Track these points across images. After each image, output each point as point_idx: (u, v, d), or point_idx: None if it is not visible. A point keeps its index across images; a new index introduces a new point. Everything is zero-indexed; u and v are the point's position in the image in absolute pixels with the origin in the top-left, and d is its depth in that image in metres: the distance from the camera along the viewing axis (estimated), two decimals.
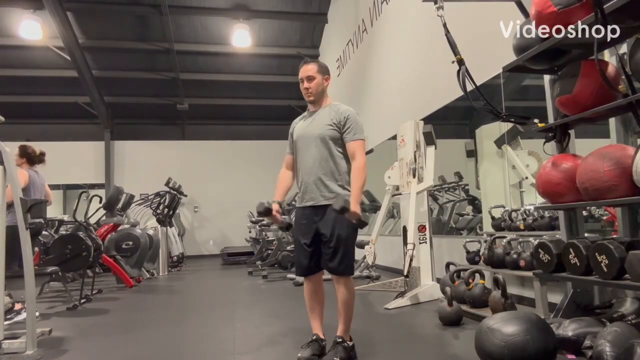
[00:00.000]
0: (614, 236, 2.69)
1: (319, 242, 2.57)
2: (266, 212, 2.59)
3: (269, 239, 8.70)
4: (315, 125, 2.62)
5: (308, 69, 2.62)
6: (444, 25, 2.62)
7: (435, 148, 4.43)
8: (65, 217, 7.13)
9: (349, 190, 2.59)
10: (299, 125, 2.72)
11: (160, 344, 3.17)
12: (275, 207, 2.63)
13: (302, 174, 2.64)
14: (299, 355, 2.48)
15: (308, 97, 2.66)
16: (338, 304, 2.58)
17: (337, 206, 2.33)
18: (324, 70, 2.67)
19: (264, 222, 8.43)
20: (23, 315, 3.83)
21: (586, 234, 2.71)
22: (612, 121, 2.62)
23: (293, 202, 7.91)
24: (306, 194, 2.61)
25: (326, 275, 2.63)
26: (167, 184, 9.19)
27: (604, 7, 1.83)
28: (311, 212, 2.59)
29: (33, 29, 9.46)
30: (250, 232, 10.68)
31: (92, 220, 6.28)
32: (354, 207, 2.39)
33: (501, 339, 1.98)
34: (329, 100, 2.72)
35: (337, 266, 2.51)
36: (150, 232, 7.46)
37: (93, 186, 11.79)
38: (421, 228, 4.42)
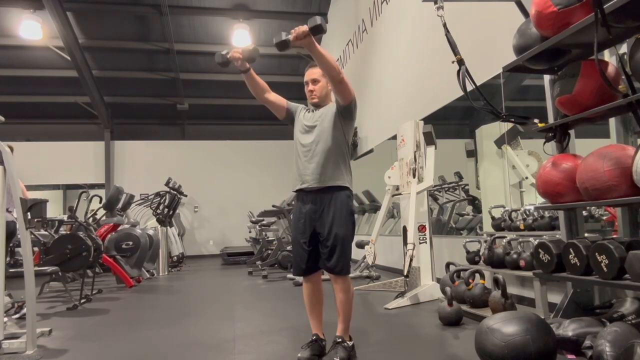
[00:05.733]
0: (614, 236, 2.69)
1: (317, 242, 2.58)
2: (251, 59, 2.54)
3: (269, 239, 8.71)
4: (319, 117, 2.65)
5: (313, 72, 2.66)
6: (444, 25, 2.62)
7: (435, 148, 4.43)
8: (65, 217, 7.12)
9: (348, 176, 2.62)
10: (304, 116, 2.73)
11: (160, 344, 3.17)
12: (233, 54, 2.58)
13: (300, 161, 2.63)
14: (299, 355, 2.48)
15: (312, 99, 2.68)
16: (337, 304, 2.58)
17: (276, 39, 2.28)
18: None
19: (264, 222, 8.45)
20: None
21: (586, 234, 2.71)
22: (612, 121, 2.62)
23: (293, 202, 7.92)
24: (302, 177, 2.60)
25: (325, 275, 2.63)
26: (167, 184, 9.19)
27: (604, 7, 1.83)
28: (309, 207, 2.58)
29: (33, 29, 9.46)
30: (250, 232, 10.69)
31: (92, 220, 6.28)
32: (300, 29, 2.28)
33: (501, 339, 1.98)
34: (332, 101, 2.75)
35: (334, 265, 2.51)
36: (150, 232, 7.46)
37: (93, 186, 11.80)
38: (421, 228, 4.42)
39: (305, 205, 2.61)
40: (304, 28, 2.28)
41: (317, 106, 2.70)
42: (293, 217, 2.72)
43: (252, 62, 2.59)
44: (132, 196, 7.54)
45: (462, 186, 6.16)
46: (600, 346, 1.84)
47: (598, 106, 2.11)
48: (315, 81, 2.66)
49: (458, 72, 2.58)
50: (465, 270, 3.67)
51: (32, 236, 4.66)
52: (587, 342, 2.06)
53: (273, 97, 2.79)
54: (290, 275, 6.46)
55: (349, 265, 2.61)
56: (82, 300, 4.86)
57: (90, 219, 5.96)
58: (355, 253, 6.24)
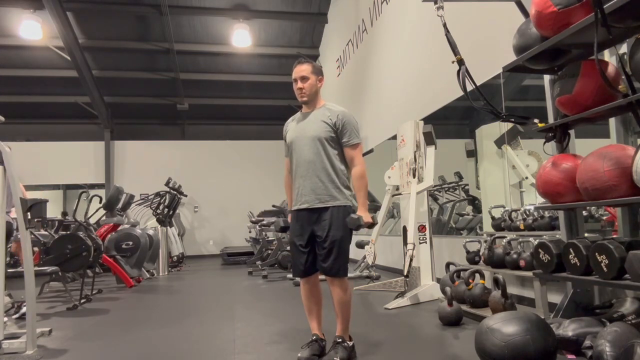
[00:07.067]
0: (614, 236, 2.69)
1: (315, 243, 2.57)
2: (284, 230, 2.80)
3: (269, 239, 8.71)
4: (309, 127, 2.61)
5: (302, 69, 2.61)
6: (444, 25, 2.62)
7: (435, 148, 4.43)
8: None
9: (347, 191, 2.60)
10: (292, 128, 2.70)
11: (160, 344, 3.17)
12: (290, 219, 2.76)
13: (298, 177, 2.61)
14: (299, 355, 2.48)
15: (301, 97, 2.63)
16: (334, 305, 2.58)
17: (353, 226, 2.50)
18: (318, 71, 2.66)
19: (264, 222, 8.45)
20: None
21: (586, 234, 2.71)
22: (612, 121, 2.62)
23: None
24: (302, 196, 2.59)
25: (322, 275, 2.62)
26: (167, 184, 9.19)
27: (604, 7, 1.83)
28: (306, 215, 2.58)
29: (33, 29, 9.46)
30: (250, 232, 10.69)
31: (92, 220, 6.28)
32: (365, 217, 2.50)
33: (501, 339, 1.98)
34: (322, 101, 2.70)
35: (330, 267, 2.51)
36: (150, 232, 7.46)
37: (93, 186, 11.79)
38: (421, 228, 4.42)
39: (302, 210, 2.60)
40: (370, 222, 2.55)
41: (307, 104, 2.66)
42: (291, 220, 2.72)
43: (288, 229, 2.82)
44: (132, 196, 7.54)
45: (462, 186, 6.16)
46: (600, 346, 1.84)
47: (598, 106, 2.11)
48: (304, 79, 2.60)
49: (458, 72, 2.58)
50: (465, 270, 3.67)
51: (32, 236, 4.66)
52: (587, 342, 2.06)
53: (291, 173, 2.75)
54: (290, 275, 6.46)
55: (346, 267, 2.60)
56: (82, 300, 4.86)
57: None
58: (356, 253, 6.22)
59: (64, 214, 7.33)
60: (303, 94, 2.62)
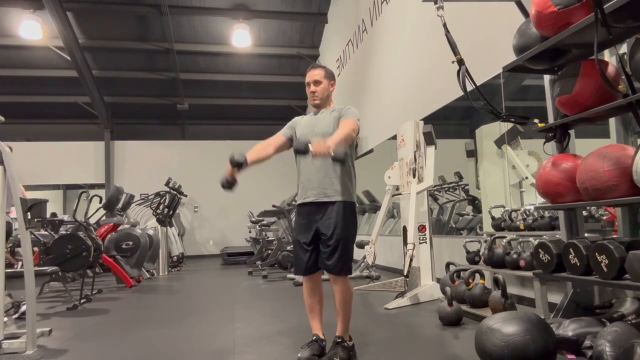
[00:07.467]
0: (614, 236, 2.69)
1: (319, 241, 2.58)
2: (239, 165, 2.55)
3: (269, 239, 8.71)
4: (319, 125, 2.66)
5: (315, 74, 2.68)
6: (444, 25, 2.62)
7: (435, 148, 4.43)
8: (65, 217, 7.13)
9: (351, 190, 2.61)
10: (303, 124, 2.75)
11: (160, 344, 3.17)
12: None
13: (305, 172, 2.65)
14: (299, 355, 2.49)
15: (314, 100, 2.70)
16: (336, 304, 2.58)
17: (296, 145, 2.37)
18: (330, 76, 2.75)
19: (264, 222, 8.46)
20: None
21: (586, 234, 2.71)
22: (612, 121, 2.62)
23: (293, 202, 7.91)
24: (308, 190, 2.61)
25: (325, 275, 2.63)
26: (167, 184, 9.19)
27: (604, 7, 1.83)
28: (312, 210, 2.59)
29: (33, 29, 9.47)
30: (250, 232, 10.68)
31: (92, 220, 6.28)
32: (320, 144, 2.20)
33: (501, 339, 1.98)
34: (332, 103, 2.77)
35: (334, 265, 2.51)
36: (150, 232, 7.46)
37: (93, 186, 11.79)
38: (421, 228, 4.42)
39: (306, 206, 2.62)
40: (326, 150, 2.19)
41: (318, 107, 2.73)
42: (295, 217, 2.73)
43: (242, 166, 2.59)
44: (132, 196, 7.54)
45: (462, 186, 6.16)
46: (600, 346, 1.84)
47: (598, 106, 2.11)
48: (317, 82, 2.67)
49: (458, 72, 2.58)
50: (465, 270, 3.67)
51: (32, 236, 4.66)
52: (587, 342, 2.06)
53: (274, 145, 2.80)
54: (290, 275, 6.46)
55: (350, 266, 2.61)
56: (82, 300, 4.86)
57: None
58: (355, 253, 6.24)
59: (53, 214, 7.35)
60: (315, 97, 2.68)
